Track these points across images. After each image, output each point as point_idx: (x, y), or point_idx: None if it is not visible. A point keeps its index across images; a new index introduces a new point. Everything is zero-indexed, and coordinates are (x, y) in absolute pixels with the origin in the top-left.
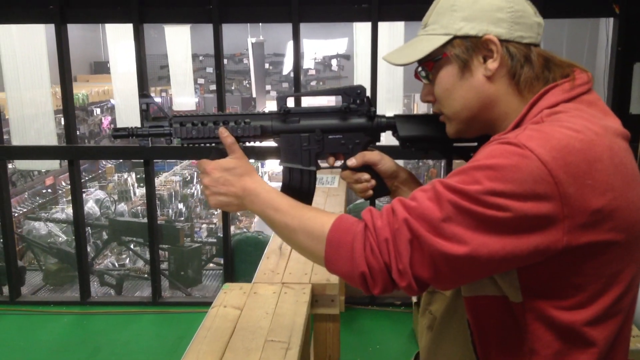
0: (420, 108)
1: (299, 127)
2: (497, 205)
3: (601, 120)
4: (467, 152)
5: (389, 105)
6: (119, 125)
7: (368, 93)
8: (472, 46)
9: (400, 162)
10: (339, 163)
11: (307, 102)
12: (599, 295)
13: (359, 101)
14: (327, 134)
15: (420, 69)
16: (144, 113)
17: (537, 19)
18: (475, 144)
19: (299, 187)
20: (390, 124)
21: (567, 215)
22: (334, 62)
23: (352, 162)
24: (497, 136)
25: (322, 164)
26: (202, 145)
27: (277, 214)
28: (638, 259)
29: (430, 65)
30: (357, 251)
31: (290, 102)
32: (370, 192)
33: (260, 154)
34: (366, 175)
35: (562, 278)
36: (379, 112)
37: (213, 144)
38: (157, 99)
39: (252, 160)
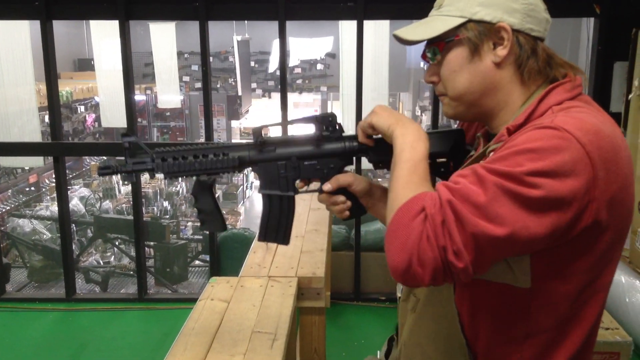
0: (405, 106)
1: (276, 155)
2: (541, 185)
3: (602, 117)
4: (437, 168)
5: (374, 104)
6: (103, 123)
7: (353, 92)
8: (485, 31)
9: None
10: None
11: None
12: (595, 278)
13: (331, 128)
14: (303, 160)
15: (429, 48)
16: (126, 151)
17: (546, 15)
18: (445, 159)
19: (279, 211)
20: (362, 147)
21: (595, 197)
22: (319, 60)
23: (327, 187)
24: (533, 123)
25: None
26: (184, 176)
27: (401, 163)
28: (621, 248)
29: (441, 45)
30: (414, 231)
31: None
32: (347, 212)
33: None
34: (342, 198)
35: (570, 261)
36: (364, 110)
37: (194, 177)
38: (142, 97)
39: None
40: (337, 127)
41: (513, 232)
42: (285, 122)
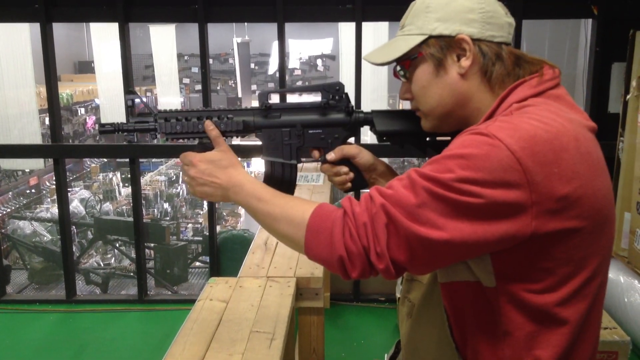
0: (404, 107)
1: (280, 122)
2: (469, 192)
3: (567, 114)
4: (440, 147)
5: (373, 105)
6: None
7: (353, 93)
8: (446, 45)
9: (385, 160)
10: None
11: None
12: (568, 278)
13: (337, 97)
14: (308, 128)
15: (398, 67)
16: (130, 109)
17: (508, 19)
18: (449, 138)
19: (281, 180)
20: (368, 119)
21: (535, 202)
22: (319, 62)
23: (331, 156)
24: (469, 128)
25: (303, 158)
26: (187, 140)
27: (260, 204)
28: (605, 245)
29: (407, 63)
30: (336, 236)
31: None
32: (349, 184)
33: (246, 152)
34: (344, 168)
35: (532, 263)
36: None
37: (197, 139)
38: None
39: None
40: (344, 97)
41: (445, 236)
42: (292, 89)
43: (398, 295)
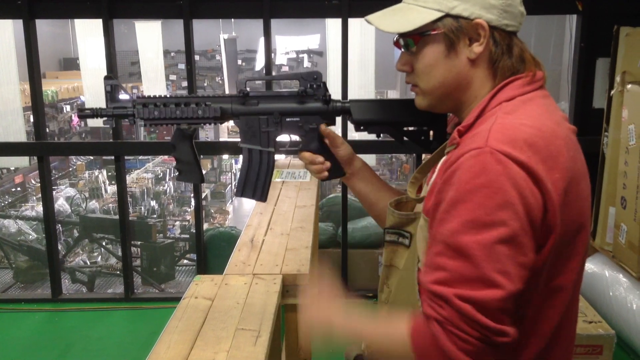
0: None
1: (258, 109)
2: (502, 221)
3: (554, 115)
4: (418, 136)
5: None
6: (89, 123)
7: (340, 89)
8: (462, 28)
9: (374, 157)
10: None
11: None
12: (552, 279)
13: (315, 86)
14: (285, 116)
15: (403, 39)
16: (108, 94)
17: (522, 8)
18: (425, 128)
19: (259, 167)
20: (345, 108)
21: (552, 206)
22: (306, 58)
23: (325, 129)
24: (462, 146)
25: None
26: (165, 125)
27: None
28: (582, 246)
29: (417, 38)
30: (447, 347)
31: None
32: (326, 173)
33: (217, 149)
34: (320, 158)
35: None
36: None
37: (175, 125)
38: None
39: (226, 156)
40: (321, 86)
41: (511, 287)
42: (270, 77)
43: None
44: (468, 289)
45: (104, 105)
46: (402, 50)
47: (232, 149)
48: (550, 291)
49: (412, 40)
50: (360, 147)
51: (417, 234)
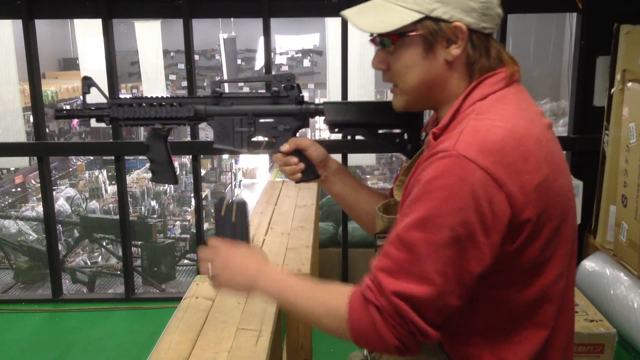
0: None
1: (232, 110)
2: (451, 225)
3: (527, 112)
4: (392, 138)
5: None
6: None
7: (340, 88)
8: (441, 30)
9: (374, 156)
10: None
11: None
12: (537, 278)
13: (289, 87)
14: (259, 117)
15: (381, 38)
16: (85, 95)
17: (499, 9)
18: (399, 130)
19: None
20: (319, 110)
21: (521, 207)
22: (306, 57)
23: (285, 147)
24: (434, 146)
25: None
26: (140, 126)
27: (295, 298)
28: (567, 239)
29: (395, 38)
30: (384, 333)
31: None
32: (299, 174)
33: (217, 149)
34: (294, 159)
35: (510, 266)
36: None
37: (149, 125)
38: (128, 96)
39: (226, 156)
40: (295, 88)
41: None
42: (245, 79)
43: None
44: (405, 283)
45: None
46: (379, 47)
47: (197, 149)
48: (541, 281)
49: (390, 40)
50: (360, 146)
51: None
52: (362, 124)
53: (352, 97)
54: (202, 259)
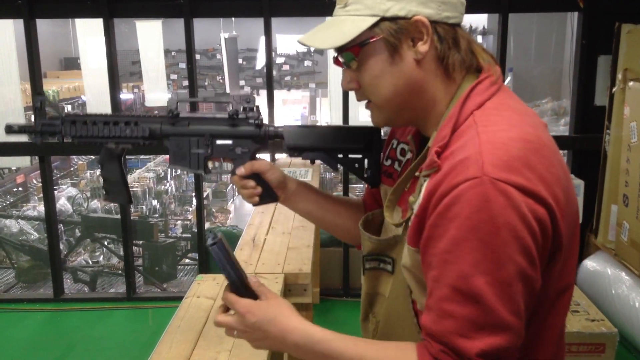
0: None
1: (188, 130)
2: (510, 257)
3: (526, 116)
4: (352, 164)
5: (361, 103)
6: None
7: (339, 87)
8: (401, 28)
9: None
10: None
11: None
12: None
13: (248, 109)
14: (216, 139)
15: (343, 54)
16: (37, 110)
17: None
18: (360, 156)
19: None
20: (278, 133)
21: (558, 221)
22: (307, 57)
23: (241, 171)
24: (453, 171)
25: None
26: (93, 144)
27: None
28: (575, 250)
29: (356, 50)
30: None
31: None
32: (256, 198)
33: None
34: (252, 182)
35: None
36: (351, 107)
37: (102, 144)
38: (129, 95)
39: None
40: (255, 110)
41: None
42: (202, 100)
43: None
44: (484, 339)
45: (104, 106)
46: (344, 67)
47: None
48: (556, 295)
49: (352, 54)
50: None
51: (404, 262)
52: (320, 148)
53: (352, 96)
54: (225, 326)
